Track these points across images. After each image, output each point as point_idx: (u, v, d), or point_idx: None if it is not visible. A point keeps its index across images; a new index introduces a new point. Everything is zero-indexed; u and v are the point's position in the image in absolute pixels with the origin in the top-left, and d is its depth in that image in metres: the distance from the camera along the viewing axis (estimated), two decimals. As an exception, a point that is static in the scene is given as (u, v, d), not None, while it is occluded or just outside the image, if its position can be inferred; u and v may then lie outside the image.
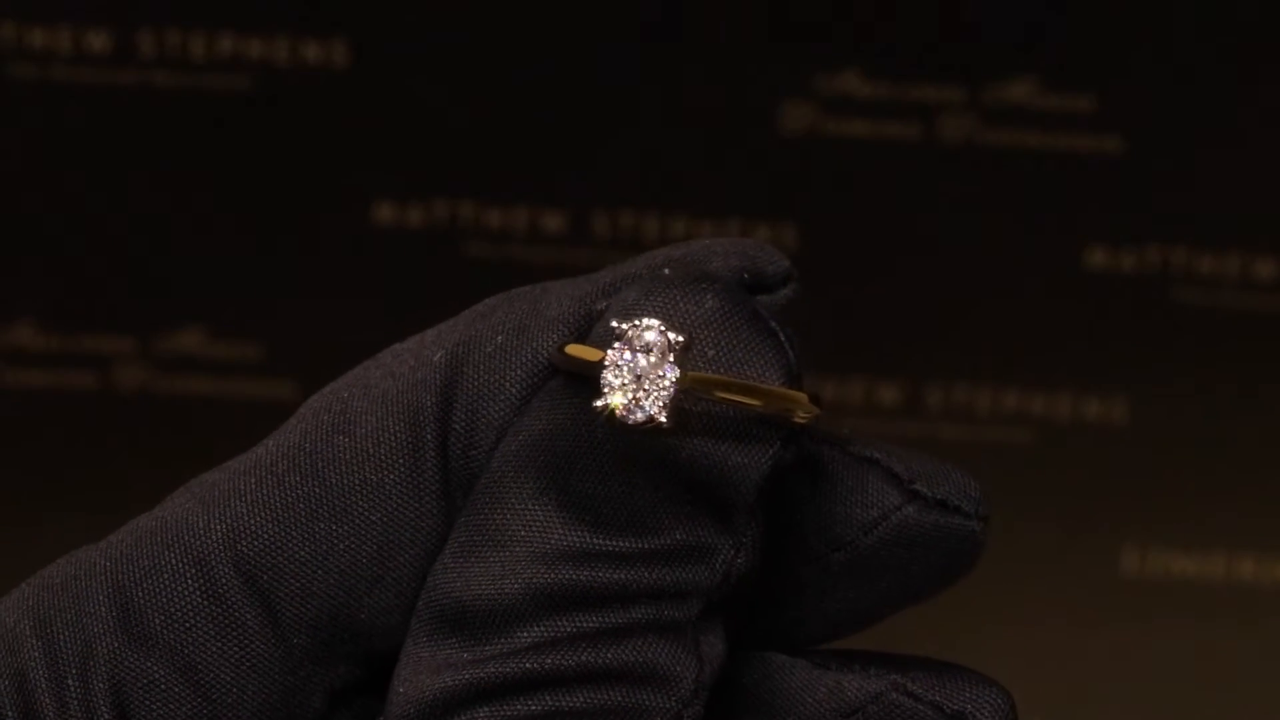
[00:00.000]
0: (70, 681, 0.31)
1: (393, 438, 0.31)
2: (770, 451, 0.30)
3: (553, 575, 0.29)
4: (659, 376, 0.30)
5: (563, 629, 0.29)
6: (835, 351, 0.81)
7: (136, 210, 0.81)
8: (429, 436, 0.31)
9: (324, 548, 0.31)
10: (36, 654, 0.31)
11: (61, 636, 0.31)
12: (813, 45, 0.79)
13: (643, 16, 0.79)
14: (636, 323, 0.30)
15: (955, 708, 0.31)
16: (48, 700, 0.30)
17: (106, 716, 0.30)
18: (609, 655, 0.29)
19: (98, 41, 0.79)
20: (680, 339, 0.30)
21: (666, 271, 0.31)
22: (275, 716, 0.31)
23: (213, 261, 0.81)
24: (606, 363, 0.30)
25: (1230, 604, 0.83)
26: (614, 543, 0.30)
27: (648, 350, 0.30)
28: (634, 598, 0.29)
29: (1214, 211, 0.80)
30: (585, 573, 0.29)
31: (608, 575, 0.29)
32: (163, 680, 0.31)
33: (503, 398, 0.31)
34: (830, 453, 0.32)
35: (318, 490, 0.31)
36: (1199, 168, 0.79)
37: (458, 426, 0.31)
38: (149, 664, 0.31)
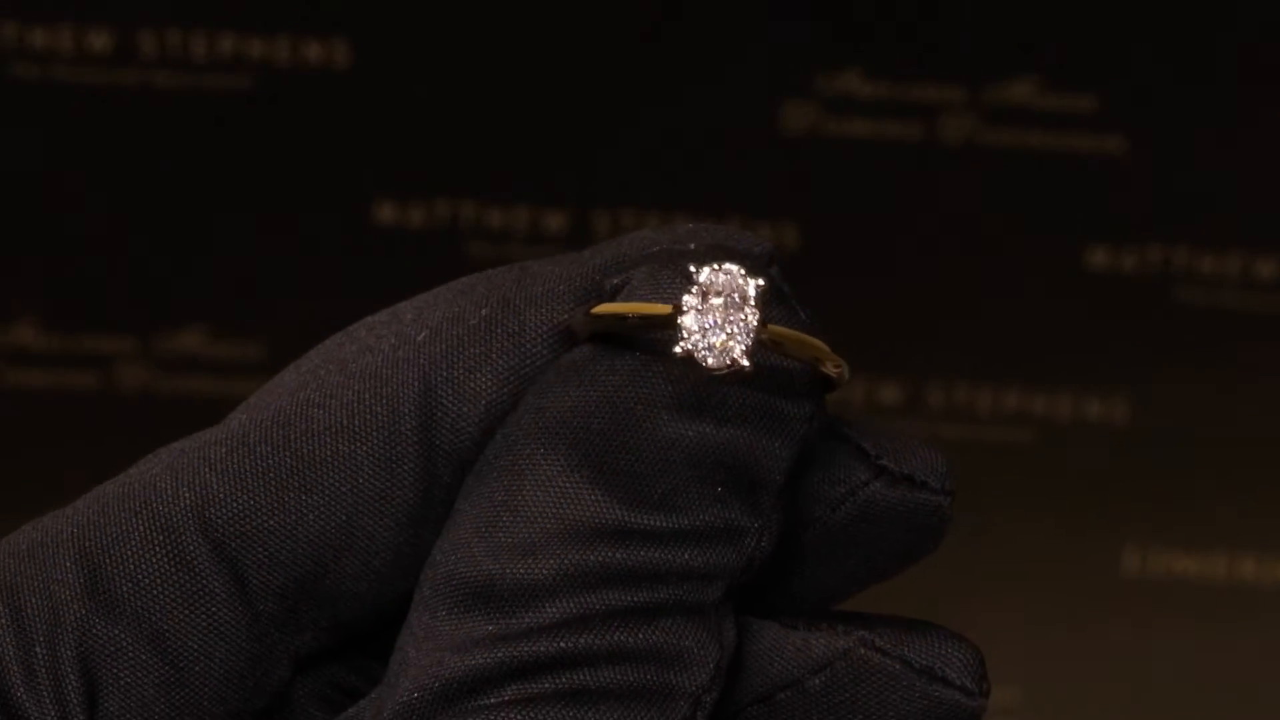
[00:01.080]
0: (38, 649, 0.31)
1: (368, 411, 0.31)
2: (801, 431, 0.30)
3: (587, 552, 0.29)
4: (741, 319, 0.30)
5: (594, 606, 0.29)
6: (835, 350, 0.81)
7: (136, 210, 0.81)
8: (408, 412, 0.31)
9: (293, 517, 0.31)
10: (4, 621, 0.31)
11: (29, 604, 0.31)
12: (813, 45, 0.79)
13: (643, 16, 0.79)
14: (716, 266, 0.30)
15: (924, 663, 0.31)
16: (15, 668, 0.30)
17: (74, 684, 0.30)
18: (640, 635, 0.29)
19: (99, 41, 0.79)
20: (761, 283, 0.30)
21: (693, 246, 0.32)
22: (242, 684, 0.31)
23: (213, 261, 0.81)
24: (685, 308, 0.30)
25: (1231, 604, 0.83)
26: (648, 521, 0.29)
27: (730, 295, 0.30)
28: (664, 577, 0.29)
29: (1215, 211, 0.80)
30: (619, 551, 0.29)
31: (641, 554, 0.29)
32: (130, 647, 0.31)
33: (489, 371, 0.31)
34: None
35: (289, 460, 0.31)
36: (1199, 168, 0.79)
37: (444, 403, 0.31)
38: (116, 631, 0.31)
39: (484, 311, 0.32)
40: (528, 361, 0.31)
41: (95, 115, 0.80)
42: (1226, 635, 0.83)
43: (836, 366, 0.31)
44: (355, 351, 0.32)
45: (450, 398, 0.31)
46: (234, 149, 0.80)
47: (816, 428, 0.31)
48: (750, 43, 0.79)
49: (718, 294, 0.30)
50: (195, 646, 0.31)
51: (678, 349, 0.30)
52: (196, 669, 0.31)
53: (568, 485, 0.30)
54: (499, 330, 0.31)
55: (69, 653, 0.31)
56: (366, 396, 0.31)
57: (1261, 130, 0.79)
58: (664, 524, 0.30)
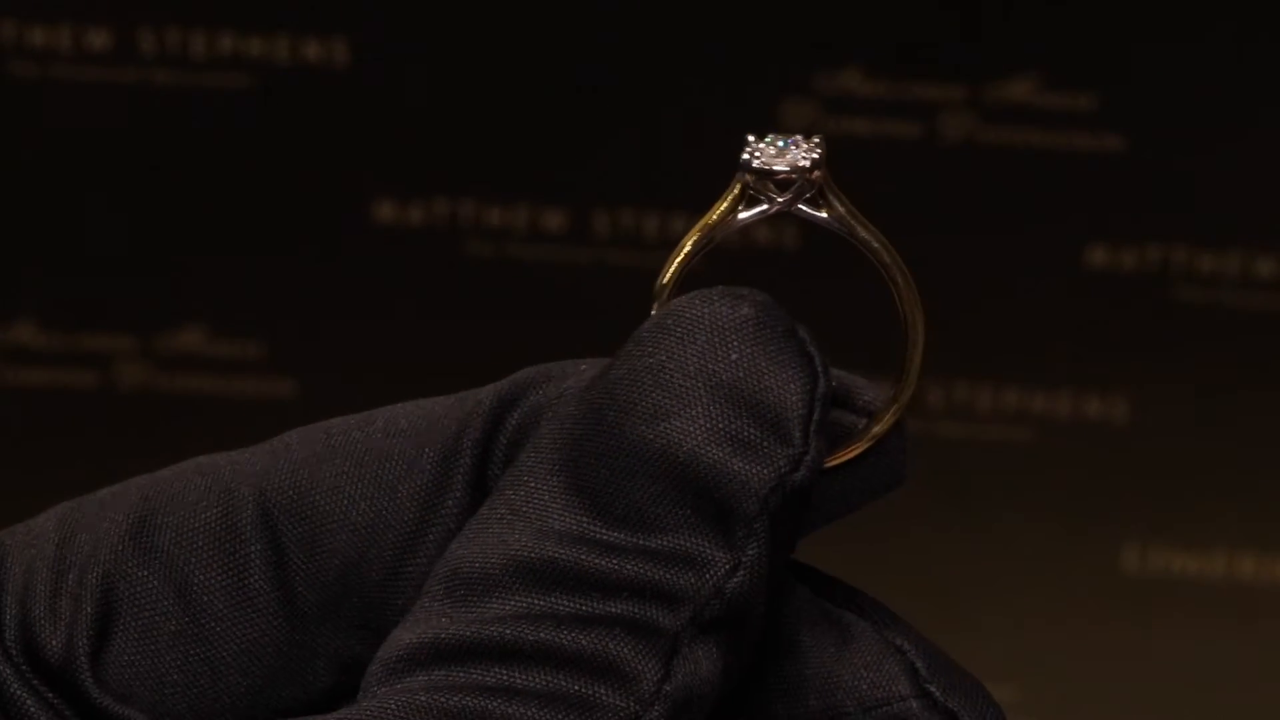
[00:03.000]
0: (71, 575, 0.31)
1: (443, 423, 0.32)
2: (775, 467, 0.30)
3: (538, 551, 0.29)
4: (801, 150, 0.32)
5: (537, 605, 0.29)
6: (835, 350, 0.81)
7: (136, 209, 0.81)
8: (476, 426, 0.31)
9: (345, 505, 0.31)
10: (51, 547, 0.31)
11: (80, 537, 0.32)
12: (813, 44, 0.79)
13: (643, 16, 0.79)
14: (786, 135, 0.32)
15: None
16: (43, 589, 0.31)
17: (89, 612, 0.31)
18: (571, 639, 0.29)
19: (98, 40, 0.79)
20: (818, 139, 0.32)
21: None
22: (267, 661, 0.31)
23: (213, 261, 0.81)
24: (750, 144, 0.32)
25: (1230, 603, 0.83)
26: (608, 532, 0.29)
27: (790, 141, 0.32)
28: (616, 589, 0.29)
29: (1214, 210, 0.80)
30: (571, 554, 0.29)
31: (593, 561, 0.29)
32: (155, 590, 0.31)
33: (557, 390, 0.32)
34: (863, 625, 0.32)
35: (355, 450, 0.32)
36: (1199, 167, 0.79)
37: (512, 420, 0.31)
38: (145, 572, 0.31)
39: (582, 365, 0.32)
40: None
41: (94, 114, 0.80)
42: (1225, 634, 0.83)
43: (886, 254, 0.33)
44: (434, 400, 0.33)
45: (516, 421, 0.31)
46: (233, 147, 0.80)
47: (807, 467, 0.30)
48: (749, 41, 0.79)
49: (779, 142, 0.32)
50: (220, 608, 0.31)
51: (745, 156, 0.32)
52: (218, 629, 0.31)
53: (543, 489, 0.30)
54: (581, 368, 0.32)
55: (94, 579, 0.31)
56: (444, 412, 0.32)
57: (1261, 130, 0.79)
58: (623, 538, 0.29)
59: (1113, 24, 0.78)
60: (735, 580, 0.30)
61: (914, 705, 0.31)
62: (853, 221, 0.33)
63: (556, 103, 0.79)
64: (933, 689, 0.31)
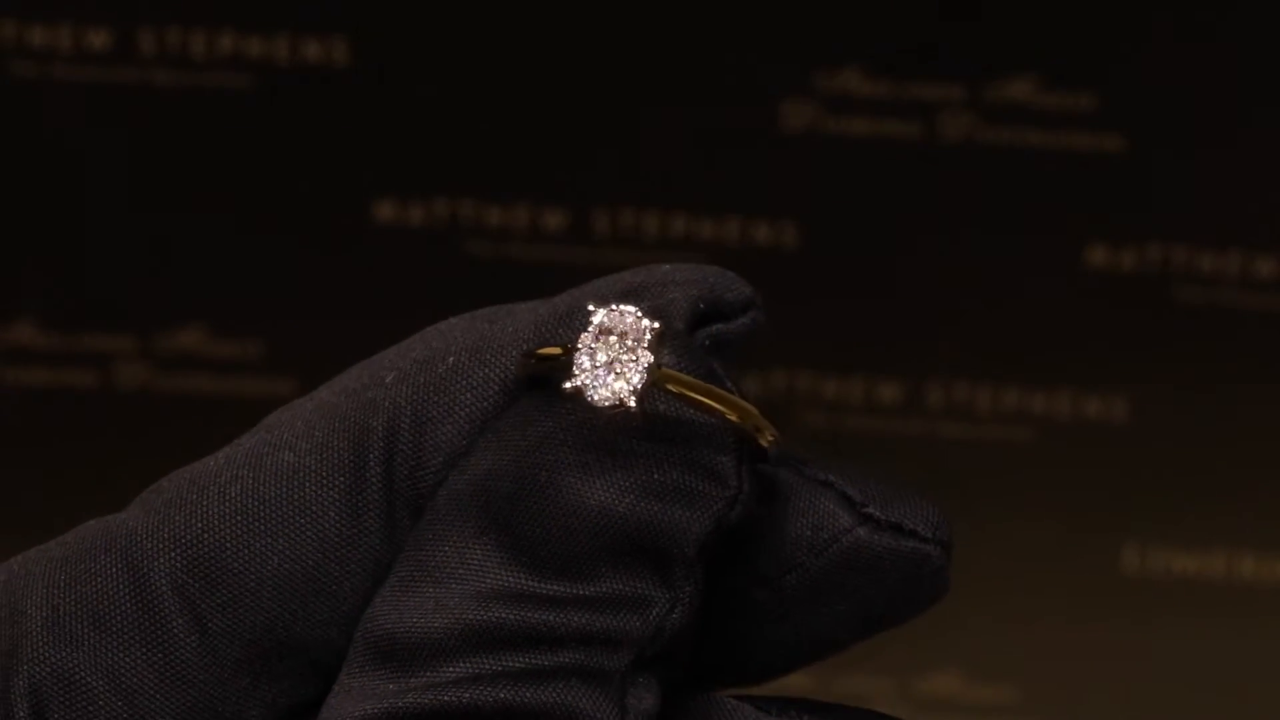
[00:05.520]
0: None
1: (336, 455, 0.31)
2: (713, 509, 0.30)
3: (484, 613, 0.30)
4: (632, 360, 0.30)
5: (488, 666, 0.29)
6: (835, 349, 0.81)
7: (135, 209, 0.81)
8: (373, 457, 0.31)
9: (257, 561, 0.31)
10: None
11: None
12: (813, 44, 0.79)
13: (642, 15, 0.79)
14: (613, 308, 0.30)
15: None
16: None
17: (24, 714, 0.31)
18: (531, 695, 0.29)
19: (98, 39, 0.79)
20: (656, 325, 0.30)
21: (670, 282, 0.32)
22: None
23: (213, 260, 0.81)
24: (579, 345, 0.30)
25: (1230, 603, 0.83)
26: (548, 586, 0.30)
27: (623, 335, 0.30)
28: (563, 641, 0.29)
29: (1214, 210, 0.80)
30: (516, 613, 0.29)
31: (539, 617, 0.29)
32: (84, 681, 0.31)
33: (452, 420, 0.31)
34: (785, 474, 0.32)
35: (254, 504, 0.31)
36: (1199, 166, 0.79)
37: (404, 448, 0.31)
38: (72, 665, 0.31)
39: (451, 360, 0.32)
40: (489, 412, 0.31)
41: (94, 114, 0.80)
42: (1225, 634, 0.83)
43: (770, 436, 0.31)
44: (335, 392, 0.33)
45: (411, 446, 0.31)
46: (233, 147, 0.80)
47: (742, 503, 0.30)
48: (749, 40, 0.79)
49: (615, 334, 0.30)
50: (151, 685, 0.31)
51: (567, 385, 0.30)
52: (153, 708, 0.31)
53: (475, 549, 0.30)
54: (464, 380, 0.32)
55: (22, 683, 0.31)
56: (334, 440, 0.32)
57: (1261, 130, 0.79)
58: (564, 590, 0.30)
59: (1113, 24, 0.78)
60: (673, 617, 0.30)
61: (860, 533, 0.31)
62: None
63: (556, 103, 0.79)
64: (871, 510, 0.31)
